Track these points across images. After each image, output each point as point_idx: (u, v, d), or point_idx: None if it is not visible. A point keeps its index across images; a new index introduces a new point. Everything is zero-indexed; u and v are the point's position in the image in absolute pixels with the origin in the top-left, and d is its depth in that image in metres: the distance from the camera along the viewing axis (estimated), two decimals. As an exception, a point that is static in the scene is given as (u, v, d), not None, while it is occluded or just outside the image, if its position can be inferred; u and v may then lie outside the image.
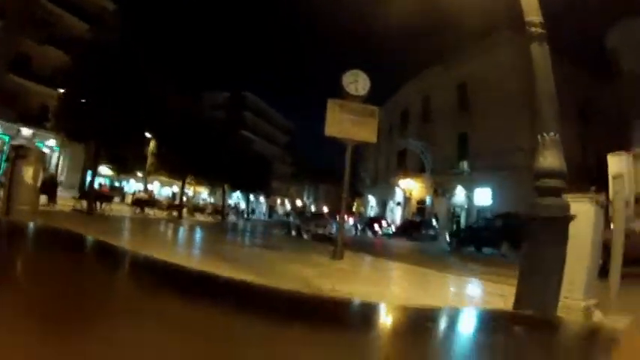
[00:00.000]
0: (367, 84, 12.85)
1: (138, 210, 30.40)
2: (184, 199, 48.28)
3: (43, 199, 20.66)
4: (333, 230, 27.38)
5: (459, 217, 42.98)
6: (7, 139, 38.11)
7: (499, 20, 38.29)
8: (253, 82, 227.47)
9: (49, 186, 21.95)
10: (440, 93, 47.16)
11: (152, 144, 31.11)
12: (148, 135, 31.03)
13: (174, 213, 32.72)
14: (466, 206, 42.60)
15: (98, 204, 25.36)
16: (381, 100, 66.04)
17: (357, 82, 12.76)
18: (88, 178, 46.42)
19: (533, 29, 5.35)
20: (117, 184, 52.07)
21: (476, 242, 26.93)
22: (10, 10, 35.33)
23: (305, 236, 26.58)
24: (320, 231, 26.93)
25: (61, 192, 26.23)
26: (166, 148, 29.80)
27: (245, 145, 46.66)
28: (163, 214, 33.43)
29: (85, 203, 21.97)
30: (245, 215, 60.33)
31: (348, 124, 12.26)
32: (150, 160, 31.12)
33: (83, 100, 19.27)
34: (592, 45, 42.17)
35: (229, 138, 38.85)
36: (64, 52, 30.47)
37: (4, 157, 34.59)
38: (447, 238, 29.22)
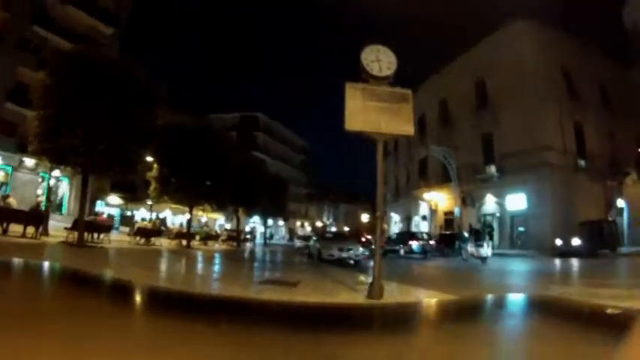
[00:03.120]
0: (393, 61, 9.96)
1: (142, 240, 27.64)
2: (199, 226, 46.32)
3: (31, 230, 19.60)
4: (359, 253, 24.40)
5: (491, 226, 39.61)
6: (9, 170, 36.62)
7: (514, 8, 36.36)
8: (264, 100, 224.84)
9: (34, 216, 20.50)
10: (457, 93, 44.73)
11: (155, 168, 28.60)
12: (150, 159, 29.29)
13: (184, 242, 30.01)
14: (498, 214, 39.68)
15: (96, 235, 23.18)
16: None
17: (379, 61, 9.92)
18: (97, 208, 46.17)
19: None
20: (128, 213, 50.27)
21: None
22: (4, 37, 35.02)
23: (331, 261, 23.63)
24: (344, 255, 23.79)
25: (61, 222, 23.82)
26: (168, 170, 27.33)
27: (258, 167, 44.81)
28: (172, 243, 30.71)
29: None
30: (263, 241, 57.76)
31: (374, 113, 9.37)
32: (153, 185, 28.56)
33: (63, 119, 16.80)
34: (614, 30, 39.82)
35: (240, 159, 36.77)
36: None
37: (8, 189, 33.15)
38: (487, 252, 25.29)
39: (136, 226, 30.36)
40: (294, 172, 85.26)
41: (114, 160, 17.82)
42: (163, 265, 15.88)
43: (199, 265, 17.48)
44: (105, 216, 31.98)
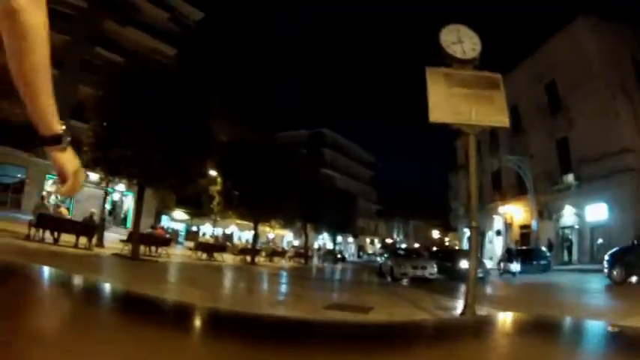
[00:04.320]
0: (477, 41, 8.44)
1: (204, 255, 26.52)
2: (266, 243, 45.45)
3: (83, 240, 18.91)
4: (434, 271, 22.83)
5: (569, 240, 37.18)
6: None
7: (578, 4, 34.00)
8: (330, 115, 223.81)
9: (87, 227, 19.81)
10: (527, 97, 41.48)
11: (218, 182, 27.79)
12: (214, 173, 28.61)
13: (248, 258, 28.88)
14: (577, 226, 36.43)
15: (154, 249, 22.42)
16: None
17: (462, 42, 8.31)
18: (163, 222, 46.03)
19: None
20: (194, 228, 49.92)
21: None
22: (67, 59, 34.95)
23: (404, 281, 21.87)
24: (419, 273, 22.01)
25: (123, 236, 23.24)
26: (232, 184, 26.36)
27: (325, 182, 43.91)
28: (235, 259, 29.64)
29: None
30: (334, 258, 56.12)
31: (463, 102, 7.83)
32: (216, 199, 27.68)
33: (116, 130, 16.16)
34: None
35: (307, 174, 36.43)
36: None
37: (72, 203, 32.70)
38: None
39: (198, 241, 29.13)
40: (362, 188, 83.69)
41: (170, 172, 16.80)
42: (215, 282, 14.42)
43: (257, 284, 16.02)
44: (164, 229, 31.15)
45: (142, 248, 20.76)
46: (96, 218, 21.71)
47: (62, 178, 1.55)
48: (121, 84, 16.40)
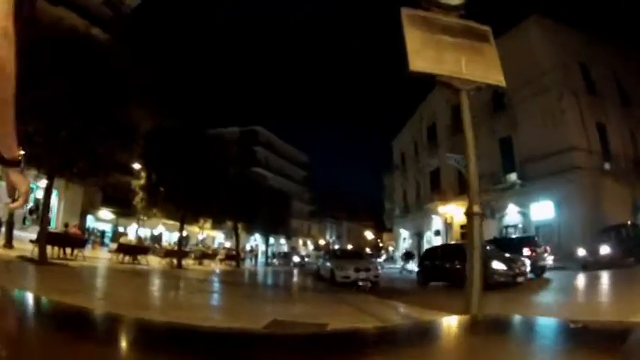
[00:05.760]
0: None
1: (126, 258, 23.84)
2: (196, 244, 43.09)
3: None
4: (378, 273, 21.22)
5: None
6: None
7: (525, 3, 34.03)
8: (263, 113, 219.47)
9: None
10: (471, 96, 40.93)
11: (143, 176, 25.44)
12: (137, 166, 26.20)
13: (175, 261, 26.53)
14: (521, 225, 36.30)
15: (69, 251, 19.71)
16: (401, 122, 61.77)
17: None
18: (88, 222, 42.98)
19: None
20: (121, 229, 45.82)
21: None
22: None
23: (350, 280, 20.10)
24: (362, 276, 20.18)
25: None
26: (156, 178, 24.16)
27: (257, 180, 42.22)
28: (161, 262, 27.24)
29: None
30: (265, 260, 54.48)
31: (449, 50, 6.11)
32: (140, 194, 25.21)
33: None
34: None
35: (239, 171, 35.37)
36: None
37: None
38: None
39: (119, 241, 26.17)
40: (295, 188, 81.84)
41: (78, 154, 14.35)
42: (124, 291, 12.02)
43: (178, 294, 13.53)
44: (83, 229, 28.29)
45: (55, 250, 18.34)
46: (1, 214, 19.13)
47: (10, 194, 1.63)
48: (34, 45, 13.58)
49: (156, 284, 15.56)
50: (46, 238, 15.46)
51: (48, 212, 16.30)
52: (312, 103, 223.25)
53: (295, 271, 38.99)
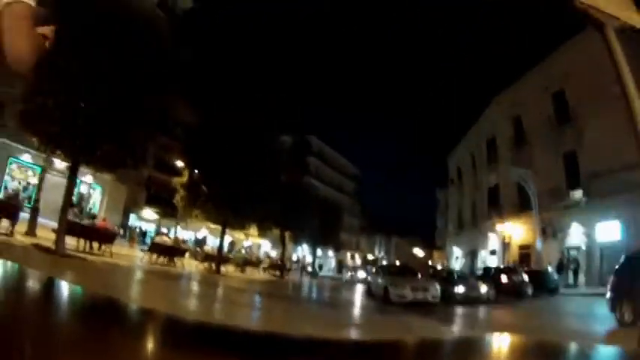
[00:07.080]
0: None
1: (160, 259, 22.44)
2: (239, 250, 41.72)
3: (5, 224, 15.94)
4: (437, 294, 19.08)
5: (575, 261, 33.64)
6: (39, 170, 32.57)
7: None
8: (317, 124, 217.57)
9: (8, 207, 16.63)
10: (533, 108, 39.26)
11: (185, 173, 24.13)
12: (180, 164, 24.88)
13: (213, 266, 25.06)
14: (584, 247, 33.21)
15: (96, 245, 18.58)
16: (456, 137, 59.41)
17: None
18: (130, 221, 42.37)
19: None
20: (164, 230, 45.19)
21: None
22: None
23: (406, 301, 18.17)
24: (419, 296, 18.20)
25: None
26: (200, 176, 22.69)
27: (308, 191, 40.84)
28: (200, 267, 25.81)
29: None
30: (310, 271, 52.82)
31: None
32: (180, 193, 23.82)
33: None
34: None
35: (291, 178, 34.72)
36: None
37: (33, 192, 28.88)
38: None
39: (153, 241, 24.49)
40: (345, 201, 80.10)
41: (104, 136, 12.81)
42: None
43: (202, 302, 11.72)
44: (115, 224, 26.97)
45: (81, 243, 17.18)
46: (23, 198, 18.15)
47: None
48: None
49: (170, 290, 13.74)
50: (65, 228, 14.03)
51: (70, 199, 14.92)
52: (366, 115, 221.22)
53: (342, 285, 37.38)
